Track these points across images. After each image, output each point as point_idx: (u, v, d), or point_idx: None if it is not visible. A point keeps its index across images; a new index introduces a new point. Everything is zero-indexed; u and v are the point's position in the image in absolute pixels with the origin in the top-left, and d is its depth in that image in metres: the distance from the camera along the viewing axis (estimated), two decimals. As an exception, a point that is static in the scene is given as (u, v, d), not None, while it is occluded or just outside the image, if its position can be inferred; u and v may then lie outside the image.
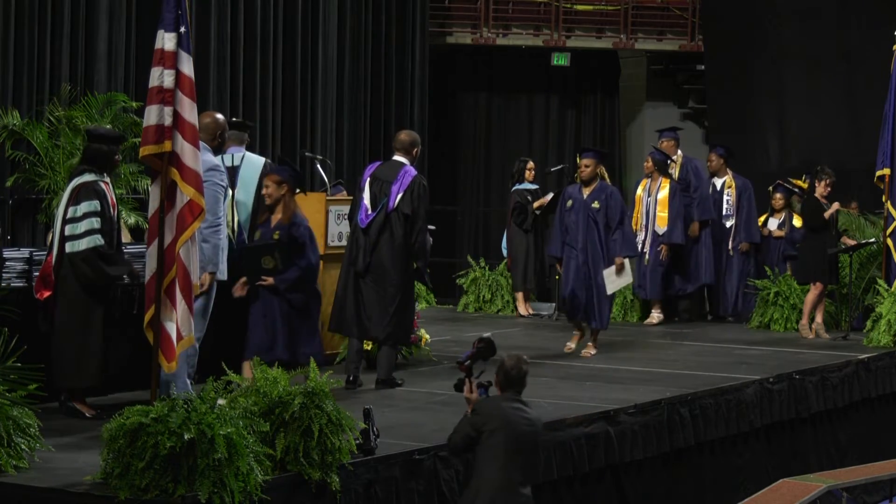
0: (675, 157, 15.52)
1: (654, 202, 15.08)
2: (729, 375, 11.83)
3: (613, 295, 13.01)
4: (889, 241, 14.63)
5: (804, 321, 14.52)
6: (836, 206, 14.39)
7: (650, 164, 15.34)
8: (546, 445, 9.28)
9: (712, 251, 15.61)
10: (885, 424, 13.37)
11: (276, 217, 10.02)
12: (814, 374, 12.31)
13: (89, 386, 9.31)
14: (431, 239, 11.48)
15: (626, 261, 12.72)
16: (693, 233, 15.44)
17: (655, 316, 15.38)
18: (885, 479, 11.72)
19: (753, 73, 20.62)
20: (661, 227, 15.08)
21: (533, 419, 7.85)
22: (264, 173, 10.51)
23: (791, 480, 10.76)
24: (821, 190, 14.48)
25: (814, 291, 14.48)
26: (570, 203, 12.80)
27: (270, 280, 9.85)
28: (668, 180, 15.19)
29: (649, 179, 15.27)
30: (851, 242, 14.74)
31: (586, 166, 12.79)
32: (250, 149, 11.41)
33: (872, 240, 14.95)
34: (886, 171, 14.73)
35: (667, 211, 15.05)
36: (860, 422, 12.99)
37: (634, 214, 15.04)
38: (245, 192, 10.65)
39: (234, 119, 11.14)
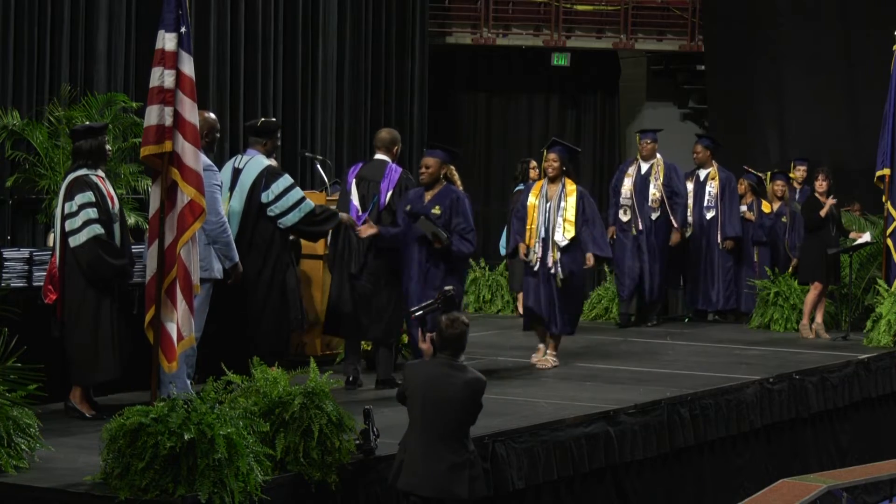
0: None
1: (555, 209, 11.85)
2: (729, 375, 11.82)
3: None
4: (889, 241, 14.64)
5: (804, 321, 14.52)
6: (831, 201, 14.36)
7: (558, 162, 11.97)
8: (546, 445, 9.32)
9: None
10: (885, 424, 13.37)
11: None
12: (814, 374, 12.31)
13: (107, 380, 9.33)
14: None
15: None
16: (675, 241, 14.98)
17: (550, 358, 12.08)
18: (885, 479, 11.72)
19: (753, 73, 20.61)
20: (567, 238, 11.83)
21: (460, 383, 7.76)
22: (258, 180, 10.23)
23: (791, 480, 10.75)
24: (818, 188, 14.50)
25: (814, 291, 14.49)
26: (408, 209, 10.66)
27: None
28: (574, 183, 12.05)
29: (545, 183, 12.06)
30: (857, 235, 14.71)
31: (427, 167, 10.68)
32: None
33: (871, 239, 14.95)
34: (886, 171, 14.74)
35: (574, 221, 11.85)
36: (860, 422, 12.99)
37: (528, 225, 11.97)
38: (238, 199, 10.24)
39: (262, 119, 10.95)
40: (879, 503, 12.27)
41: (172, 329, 8.11)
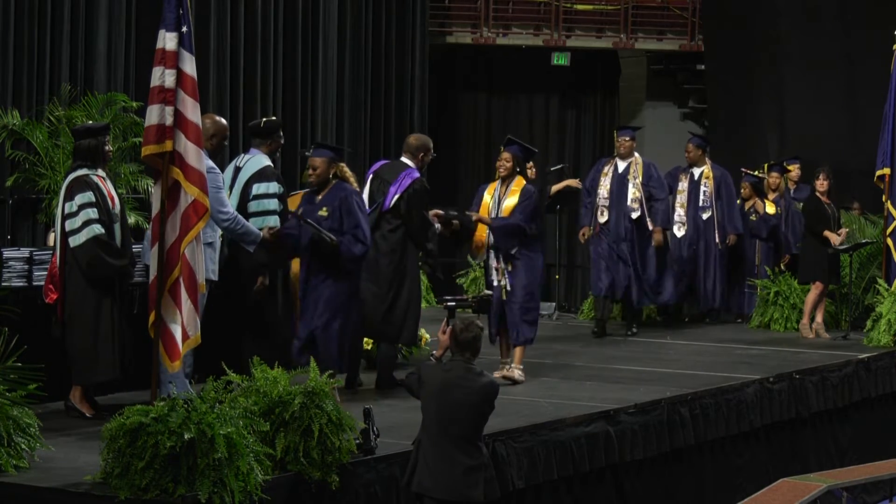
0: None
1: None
2: (729, 375, 11.83)
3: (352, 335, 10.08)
4: (889, 241, 14.64)
5: (804, 321, 14.53)
6: (844, 232, 14.34)
7: (510, 162, 11.41)
8: (546, 445, 9.32)
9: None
10: (885, 424, 13.37)
11: None
12: (814, 374, 12.32)
13: (107, 380, 9.33)
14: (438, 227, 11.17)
15: None
16: (658, 242, 14.32)
17: (517, 371, 11.23)
18: (885, 479, 11.72)
19: (753, 73, 20.59)
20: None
21: (476, 387, 7.80)
22: (252, 178, 10.21)
23: (791, 480, 10.76)
24: (819, 187, 14.50)
25: (814, 291, 14.49)
26: (300, 212, 10.06)
27: None
28: (523, 180, 11.41)
29: (498, 183, 11.49)
30: (835, 239, 14.48)
31: (314, 168, 10.02)
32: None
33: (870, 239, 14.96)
34: (886, 170, 14.75)
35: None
36: (860, 422, 13.00)
37: (482, 228, 11.46)
38: (236, 198, 10.22)
39: (264, 119, 10.94)
40: (879, 503, 12.28)
41: (176, 329, 8.11)
